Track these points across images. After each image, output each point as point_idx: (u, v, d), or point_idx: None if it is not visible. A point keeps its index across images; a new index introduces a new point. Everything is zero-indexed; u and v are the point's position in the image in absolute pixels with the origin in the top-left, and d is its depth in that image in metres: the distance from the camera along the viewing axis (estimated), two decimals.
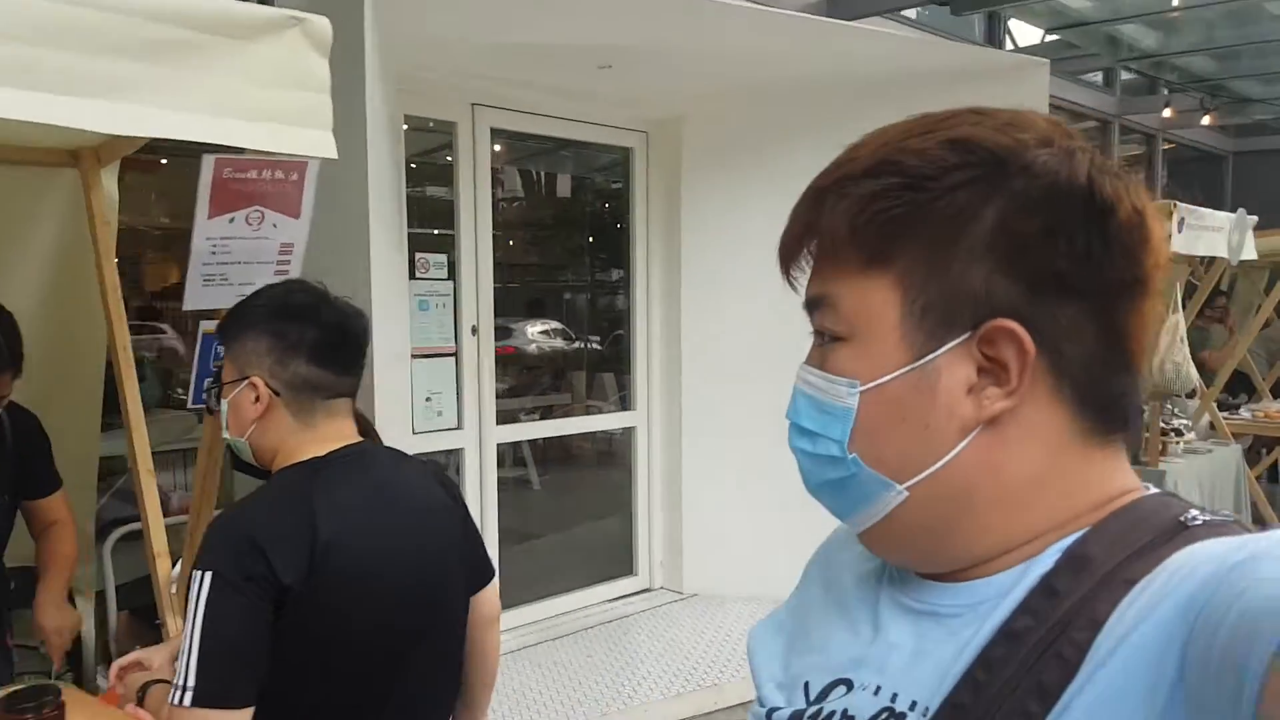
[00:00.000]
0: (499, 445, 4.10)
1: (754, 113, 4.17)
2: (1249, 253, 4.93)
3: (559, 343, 6.61)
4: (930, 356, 0.59)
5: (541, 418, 5.30)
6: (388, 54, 2.94)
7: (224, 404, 1.51)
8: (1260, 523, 5.56)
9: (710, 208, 4.36)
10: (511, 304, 6.47)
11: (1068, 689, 0.51)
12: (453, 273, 3.85)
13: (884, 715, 0.60)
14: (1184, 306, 5.51)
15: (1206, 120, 8.44)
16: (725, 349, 4.31)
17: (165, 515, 2.18)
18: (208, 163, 1.80)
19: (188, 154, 1.84)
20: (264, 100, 1.65)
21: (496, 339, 4.10)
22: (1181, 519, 0.57)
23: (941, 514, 0.61)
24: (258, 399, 1.47)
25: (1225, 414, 5.84)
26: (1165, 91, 8.27)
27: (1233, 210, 4.78)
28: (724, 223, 4.26)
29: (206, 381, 1.68)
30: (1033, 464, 0.59)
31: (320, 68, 1.70)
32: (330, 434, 1.50)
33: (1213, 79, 8.17)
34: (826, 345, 0.64)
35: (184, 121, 1.58)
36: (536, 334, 6.71)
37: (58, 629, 2.13)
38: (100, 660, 2.87)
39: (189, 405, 2.20)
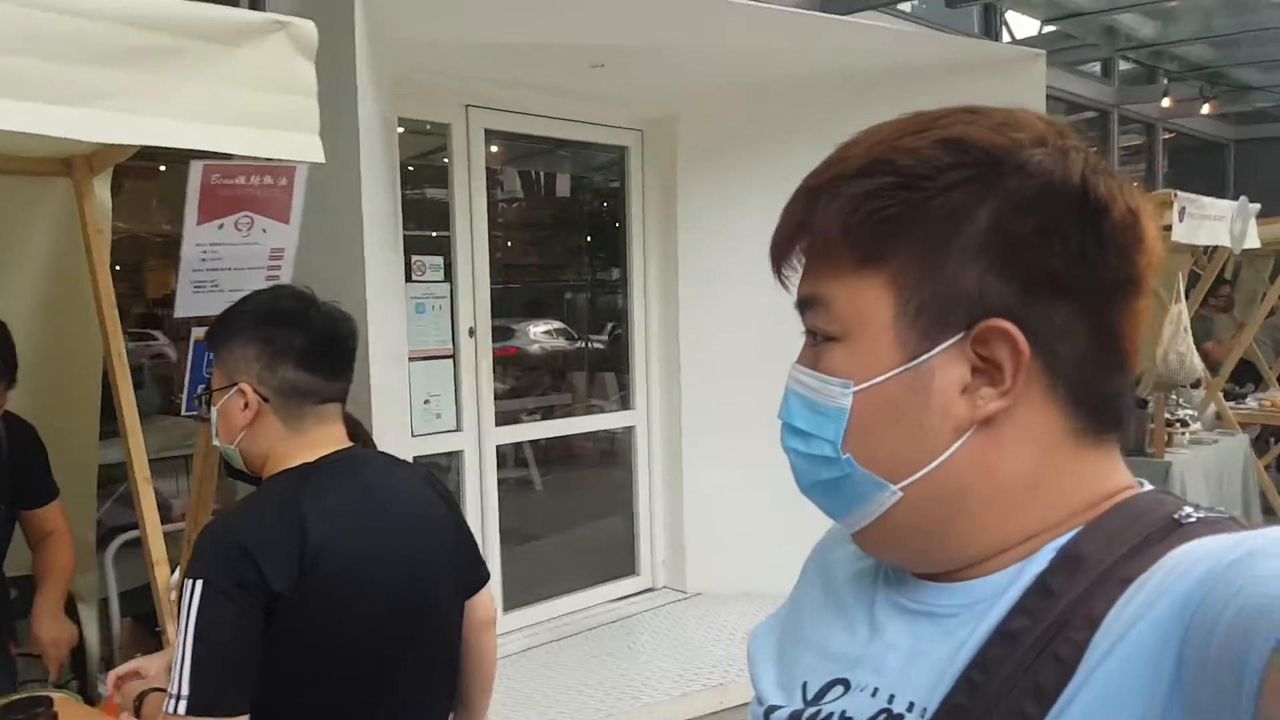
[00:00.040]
0: (500, 446, 4.10)
1: (749, 110, 4.16)
2: (1252, 241, 4.90)
3: (561, 342, 6.61)
4: (924, 357, 0.59)
5: (543, 418, 5.29)
6: (380, 57, 2.94)
7: (214, 411, 1.51)
8: (1270, 513, 5.53)
9: (706, 205, 4.35)
10: (512, 304, 6.47)
11: (1065, 690, 0.51)
12: (449, 275, 3.85)
13: (882, 716, 0.60)
14: (1187, 296, 5.49)
15: (1206, 109, 8.40)
16: (722, 346, 4.30)
17: (167, 522, 2.18)
18: (195, 169, 1.80)
19: (185, 160, 1.84)
20: (250, 105, 1.65)
21: (499, 340, 4.10)
22: (1175, 516, 0.57)
23: (936, 514, 0.61)
24: (246, 405, 1.46)
25: (1232, 404, 5.82)
26: (1164, 80, 8.23)
27: (1235, 199, 4.76)
28: (720, 220, 4.25)
29: (200, 388, 1.68)
30: (1027, 464, 0.59)
31: (306, 71, 1.70)
32: (320, 439, 1.49)
33: (1212, 67, 8.13)
34: (819, 345, 0.64)
35: (170, 128, 1.58)
36: (539, 334, 6.71)
37: (54, 640, 2.14)
38: (104, 668, 2.87)
39: (182, 413, 2.20)
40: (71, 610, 2.65)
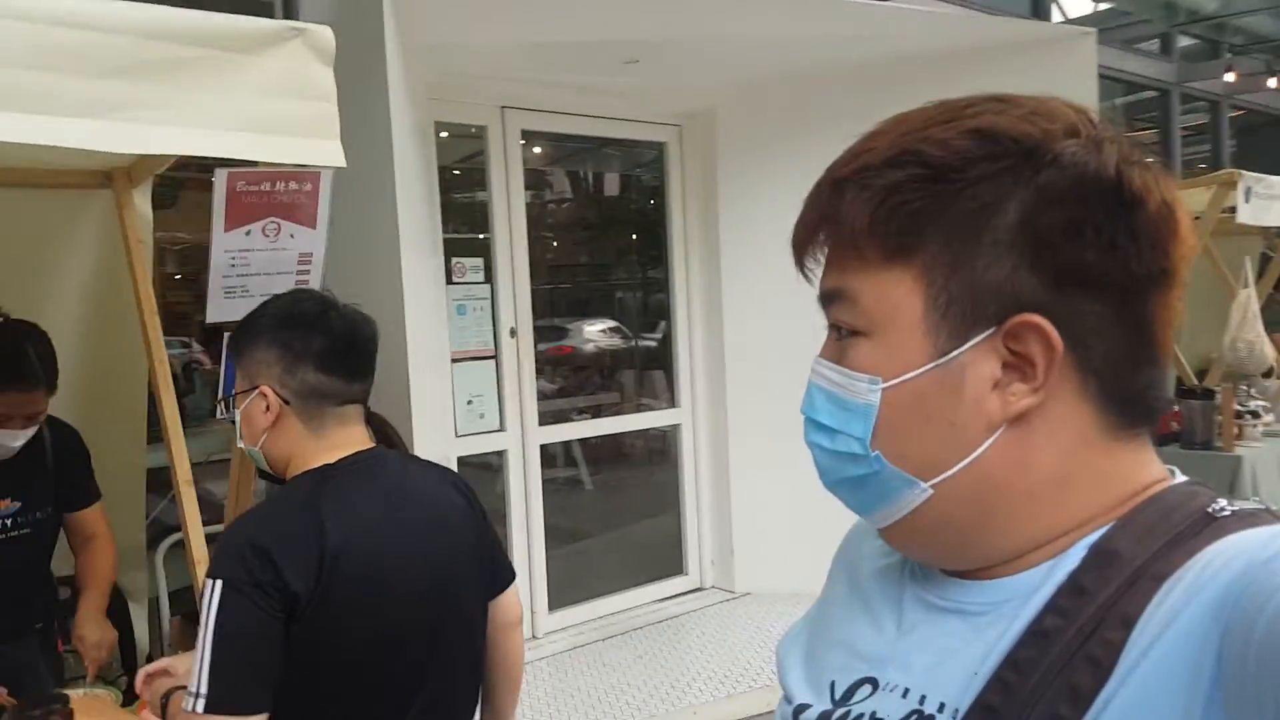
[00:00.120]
0: (550, 446, 4.10)
1: (788, 100, 4.10)
2: None
3: (616, 341, 6.62)
4: (955, 353, 0.58)
5: (593, 417, 5.29)
6: (412, 62, 2.96)
7: (237, 414, 1.53)
8: None
9: (748, 199, 4.30)
10: (563, 304, 6.49)
11: (1101, 692, 0.50)
12: (489, 276, 3.87)
13: (913, 718, 0.60)
14: (1258, 280, 5.26)
15: (1274, 83, 8.04)
16: (769, 343, 4.24)
17: (221, 523, 2.22)
18: (220, 177, 1.83)
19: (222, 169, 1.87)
20: (270, 112, 1.66)
21: (552, 339, 4.10)
22: (1210, 510, 0.56)
23: (966, 512, 0.60)
24: (268, 408, 1.48)
25: None
26: (1228, 55, 7.91)
27: None
28: (763, 213, 4.19)
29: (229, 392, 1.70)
30: (1059, 460, 0.58)
31: (325, 77, 1.71)
32: (341, 440, 1.50)
33: (1278, 39, 7.79)
34: (844, 339, 0.63)
35: (191, 137, 1.60)
36: (594, 333, 6.73)
37: (97, 643, 2.21)
38: None
39: (217, 416, 2.24)
40: (123, 609, 2.73)
